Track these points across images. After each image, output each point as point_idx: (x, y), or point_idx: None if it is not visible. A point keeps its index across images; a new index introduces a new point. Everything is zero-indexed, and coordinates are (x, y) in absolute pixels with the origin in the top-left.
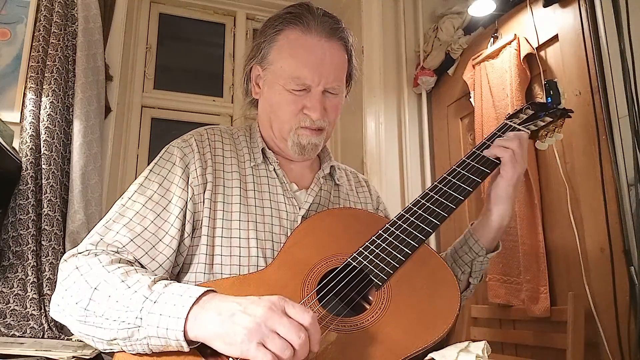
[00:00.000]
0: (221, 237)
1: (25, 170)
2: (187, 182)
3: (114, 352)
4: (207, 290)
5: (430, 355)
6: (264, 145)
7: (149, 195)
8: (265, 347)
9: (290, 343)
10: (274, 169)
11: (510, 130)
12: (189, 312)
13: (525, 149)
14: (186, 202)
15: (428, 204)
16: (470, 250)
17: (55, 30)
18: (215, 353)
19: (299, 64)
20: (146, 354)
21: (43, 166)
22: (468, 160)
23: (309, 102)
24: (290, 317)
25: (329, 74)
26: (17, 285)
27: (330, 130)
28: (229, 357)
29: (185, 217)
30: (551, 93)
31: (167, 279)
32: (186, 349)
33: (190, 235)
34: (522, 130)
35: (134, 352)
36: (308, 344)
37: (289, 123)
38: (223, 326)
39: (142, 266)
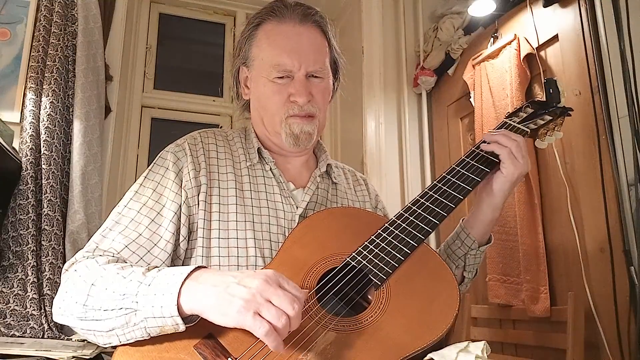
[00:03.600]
0: (218, 238)
1: (25, 170)
2: (181, 186)
3: (112, 351)
4: (199, 266)
5: (430, 355)
6: (259, 145)
7: (143, 201)
8: (261, 317)
9: (284, 312)
10: (270, 168)
11: (510, 129)
12: (181, 286)
13: (525, 150)
14: (180, 206)
15: (427, 203)
16: (462, 244)
17: (55, 30)
18: (213, 351)
19: (277, 51)
20: (143, 348)
21: (43, 166)
22: (467, 160)
23: (293, 88)
24: (284, 290)
25: (308, 57)
26: (17, 285)
27: (322, 118)
28: (218, 355)
29: (180, 221)
30: (551, 91)
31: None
32: (182, 327)
33: (187, 238)
34: (522, 130)
35: (132, 341)
36: (300, 317)
37: (278, 114)
38: (219, 297)
39: None
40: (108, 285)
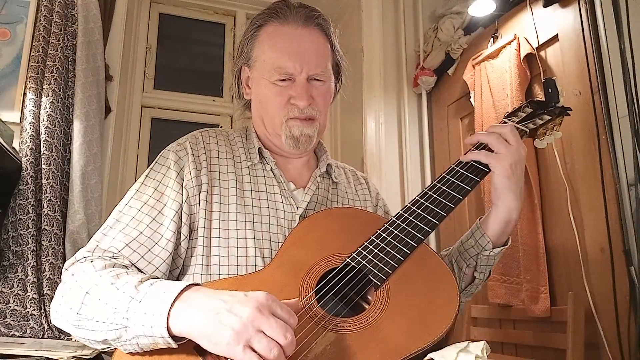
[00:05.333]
0: (218, 237)
1: (25, 170)
2: (182, 185)
3: (112, 351)
4: (190, 285)
5: (430, 355)
6: (260, 145)
7: (144, 200)
8: (252, 349)
9: (276, 342)
10: (271, 168)
11: None
12: (170, 308)
13: (510, 136)
14: (181, 205)
15: (427, 204)
16: (476, 244)
17: (55, 30)
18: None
19: (279, 54)
20: (139, 353)
21: (43, 166)
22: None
23: (294, 91)
24: (277, 317)
25: (310, 60)
26: (17, 285)
27: (323, 121)
28: (219, 356)
29: (181, 220)
30: (549, 91)
31: (156, 278)
32: (174, 345)
33: (188, 237)
34: (521, 129)
35: (127, 352)
36: (294, 344)
37: (278, 116)
38: (208, 325)
39: (140, 270)
40: (101, 295)
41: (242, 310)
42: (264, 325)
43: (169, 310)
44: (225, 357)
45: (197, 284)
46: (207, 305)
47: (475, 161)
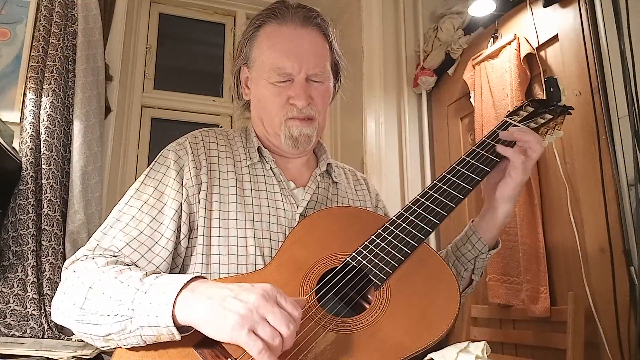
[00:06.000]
0: (218, 236)
1: (25, 170)
2: (182, 184)
3: (112, 351)
4: (196, 276)
5: (430, 355)
6: (259, 144)
7: (144, 199)
8: (256, 334)
9: (279, 332)
10: (271, 167)
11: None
12: (177, 297)
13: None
14: (181, 204)
15: (428, 203)
16: (473, 248)
17: (55, 30)
18: (213, 351)
19: (278, 54)
20: (142, 348)
21: (43, 166)
22: (468, 159)
23: (293, 91)
24: (281, 307)
25: (308, 61)
26: (17, 285)
27: (322, 121)
28: (219, 355)
29: (180, 219)
30: (551, 90)
31: (159, 273)
32: (177, 337)
33: (187, 236)
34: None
35: (129, 347)
36: (294, 337)
37: (277, 116)
38: (214, 311)
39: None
40: (105, 289)
41: (248, 296)
42: (268, 314)
43: (175, 300)
44: (226, 355)
45: (202, 277)
46: (213, 293)
47: (481, 159)
